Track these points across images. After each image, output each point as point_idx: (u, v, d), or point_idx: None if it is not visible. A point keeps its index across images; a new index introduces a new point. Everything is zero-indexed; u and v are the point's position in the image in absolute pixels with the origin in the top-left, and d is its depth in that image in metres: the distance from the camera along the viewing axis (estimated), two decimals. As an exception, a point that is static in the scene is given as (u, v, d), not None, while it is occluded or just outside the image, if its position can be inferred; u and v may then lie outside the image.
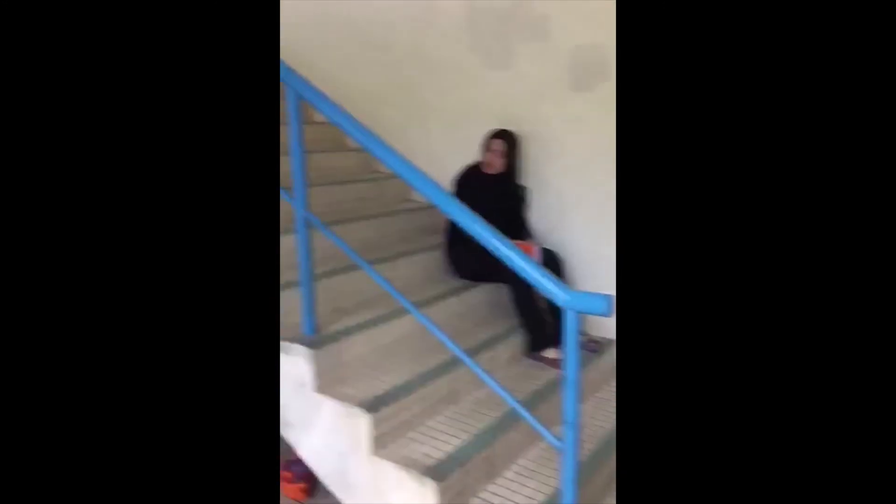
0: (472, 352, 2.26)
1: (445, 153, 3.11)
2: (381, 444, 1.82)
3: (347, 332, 2.04)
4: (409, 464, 1.76)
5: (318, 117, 3.16)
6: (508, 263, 1.51)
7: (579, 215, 2.91)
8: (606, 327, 2.76)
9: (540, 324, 2.57)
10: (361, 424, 1.79)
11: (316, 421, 1.91)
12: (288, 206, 1.89)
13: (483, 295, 2.68)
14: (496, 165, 2.79)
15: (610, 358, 2.70)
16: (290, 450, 2.00)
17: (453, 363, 2.10)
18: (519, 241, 2.47)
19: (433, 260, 2.78)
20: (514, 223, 2.82)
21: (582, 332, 2.47)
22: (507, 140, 2.81)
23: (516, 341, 2.54)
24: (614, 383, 2.55)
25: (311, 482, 2.11)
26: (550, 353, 2.53)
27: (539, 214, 3.02)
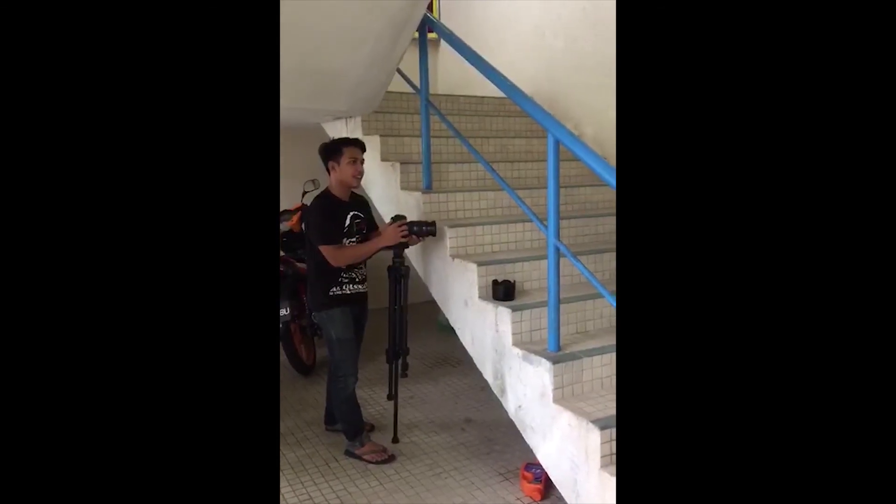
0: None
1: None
2: (610, 461, 1.94)
3: (589, 353, 2.21)
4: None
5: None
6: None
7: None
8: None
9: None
10: (592, 439, 1.94)
11: (553, 429, 2.11)
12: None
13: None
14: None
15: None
16: (531, 453, 2.23)
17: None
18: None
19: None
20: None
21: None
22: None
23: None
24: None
25: (546, 484, 2.30)
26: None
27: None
